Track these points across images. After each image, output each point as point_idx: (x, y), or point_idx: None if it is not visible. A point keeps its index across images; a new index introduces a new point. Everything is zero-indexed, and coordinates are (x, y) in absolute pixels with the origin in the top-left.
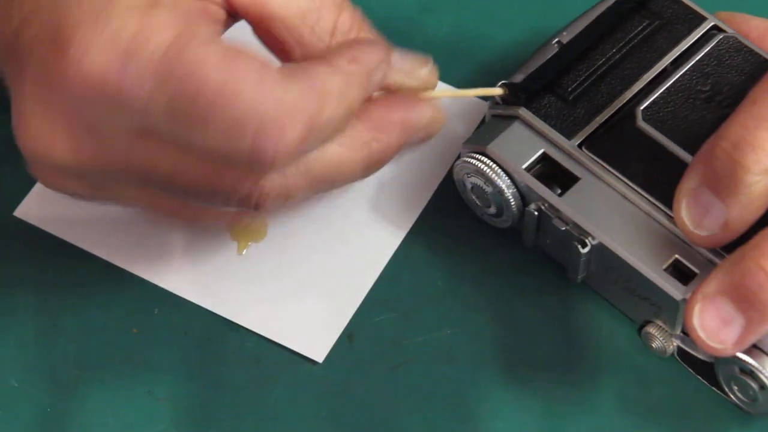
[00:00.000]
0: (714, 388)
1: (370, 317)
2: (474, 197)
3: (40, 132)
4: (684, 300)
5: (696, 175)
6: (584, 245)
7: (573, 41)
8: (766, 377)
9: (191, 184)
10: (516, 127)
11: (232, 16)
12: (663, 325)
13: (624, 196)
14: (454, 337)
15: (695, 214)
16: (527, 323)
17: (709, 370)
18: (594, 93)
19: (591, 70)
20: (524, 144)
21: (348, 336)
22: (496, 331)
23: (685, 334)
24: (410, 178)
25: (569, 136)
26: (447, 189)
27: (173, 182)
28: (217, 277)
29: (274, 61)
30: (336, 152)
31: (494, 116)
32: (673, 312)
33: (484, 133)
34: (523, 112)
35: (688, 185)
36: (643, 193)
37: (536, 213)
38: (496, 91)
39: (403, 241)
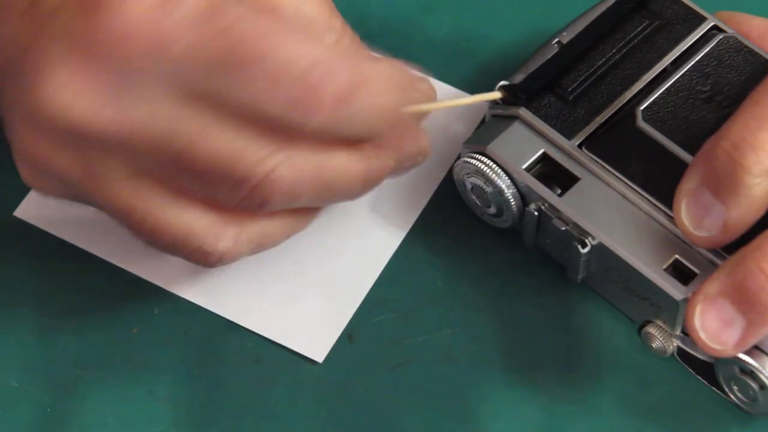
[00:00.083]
0: (714, 388)
1: (370, 317)
2: (474, 197)
3: (62, 88)
4: (684, 300)
5: (696, 175)
6: (584, 245)
7: (573, 41)
8: (766, 377)
9: (206, 159)
10: (516, 127)
11: None
12: (663, 325)
13: (624, 196)
14: (454, 337)
15: (695, 215)
16: (527, 323)
17: (709, 370)
18: (594, 93)
19: (591, 71)
20: (524, 144)
21: (348, 336)
22: (496, 331)
23: (685, 334)
24: (410, 178)
25: (569, 136)
26: (447, 189)
27: (187, 156)
28: (217, 277)
29: None
30: (344, 159)
31: (494, 116)
32: (673, 312)
33: (484, 133)
34: (523, 112)
35: (688, 185)
36: (643, 193)
37: (536, 213)
38: (495, 95)
39: (403, 241)
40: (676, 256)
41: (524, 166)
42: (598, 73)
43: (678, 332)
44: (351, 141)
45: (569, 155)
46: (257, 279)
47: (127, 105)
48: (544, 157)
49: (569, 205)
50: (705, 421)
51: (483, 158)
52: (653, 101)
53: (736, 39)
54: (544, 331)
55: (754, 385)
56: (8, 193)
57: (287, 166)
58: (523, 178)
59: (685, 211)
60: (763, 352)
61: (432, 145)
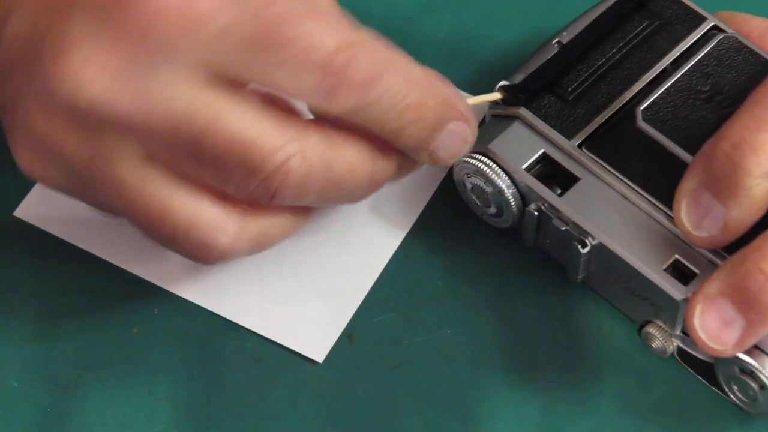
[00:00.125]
0: (714, 388)
1: (370, 317)
2: (474, 197)
3: (86, 65)
4: (684, 300)
5: (696, 175)
6: (584, 245)
7: (573, 41)
8: (766, 377)
9: (223, 144)
10: (516, 127)
11: None
12: (663, 325)
13: (624, 196)
14: (454, 337)
15: (695, 215)
16: (527, 323)
17: (709, 370)
18: (594, 93)
19: (591, 70)
20: (524, 144)
21: (348, 336)
22: (496, 331)
23: (685, 334)
24: (410, 178)
25: (569, 136)
26: (447, 189)
27: (204, 140)
28: (217, 277)
29: None
30: (354, 155)
31: (494, 116)
32: (673, 312)
33: (484, 133)
34: (523, 112)
35: (687, 186)
36: (643, 193)
37: (536, 213)
38: (495, 96)
39: (403, 241)
40: (676, 256)
41: (524, 166)
42: (598, 73)
43: (678, 332)
44: (367, 135)
45: (569, 155)
46: (257, 279)
47: (150, 85)
48: (544, 157)
49: (569, 205)
50: (705, 421)
51: (483, 158)
52: (653, 101)
53: (736, 39)
54: (544, 331)
55: (754, 385)
56: (8, 193)
57: (302, 157)
58: (523, 178)
59: (684, 211)
60: (763, 352)
61: None
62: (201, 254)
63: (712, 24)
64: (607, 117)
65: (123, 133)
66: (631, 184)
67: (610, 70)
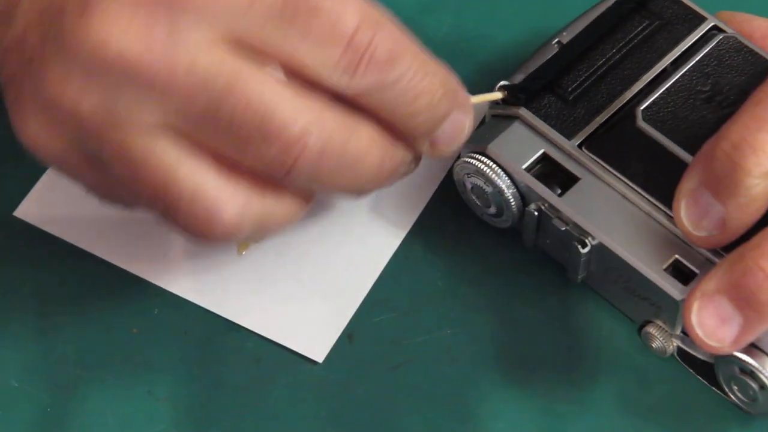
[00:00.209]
0: (714, 388)
1: (370, 317)
2: (474, 197)
3: (114, 21)
4: (684, 300)
5: (696, 175)
6: (584, 245)
7: (573, 41)
8: (766, 377)
9: (243, 107)
10: (516, 127)
11: None
12: (663, 325)
13: (624, 196)
14: (454, 337)
15: (694, 215)
16: (527, 323)
17: (709, 370)
18: (594, 93)
19: (591, 71)
20: (524, 144)
21: (348, 336)
22: (496, 331)
23: (685, 334)
24: (410, 178)
25: (569, 136)
26: (447, 189)
27: (224, 102)
28: (217, 277)
29: None
30: (368, 138)
31: (494, 116)
32: (673, 312)
33: (484, 133)
34: (523, 112)
35: (687, 186)
36: (643, 193)
37: (536, 213)
38: (495, 95)
39: (403, 241)
40: (676, 256)
41: (524, 166)
42: (598, 73)
43: (678, 332)
44: (379, 122)
45: (569, 155)
46: (257, 279)
47: (175, 45)
48: (544, 157)
49: (569, 205)
50: (705, 421)
51: (483, 158)
52: (653, 101)
53: (737, 39)
54: (544, 331)
55: (754, 385)
56: (8, 193)
57: (320, 131)
58: (523, 178)
59: (684, 211)
60: (763, 351)
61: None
62: (202, 228)
63: (712, 24)
64: (607, 117)
65: (143, 92)
66: (631, 184)
67: (610, 70)
